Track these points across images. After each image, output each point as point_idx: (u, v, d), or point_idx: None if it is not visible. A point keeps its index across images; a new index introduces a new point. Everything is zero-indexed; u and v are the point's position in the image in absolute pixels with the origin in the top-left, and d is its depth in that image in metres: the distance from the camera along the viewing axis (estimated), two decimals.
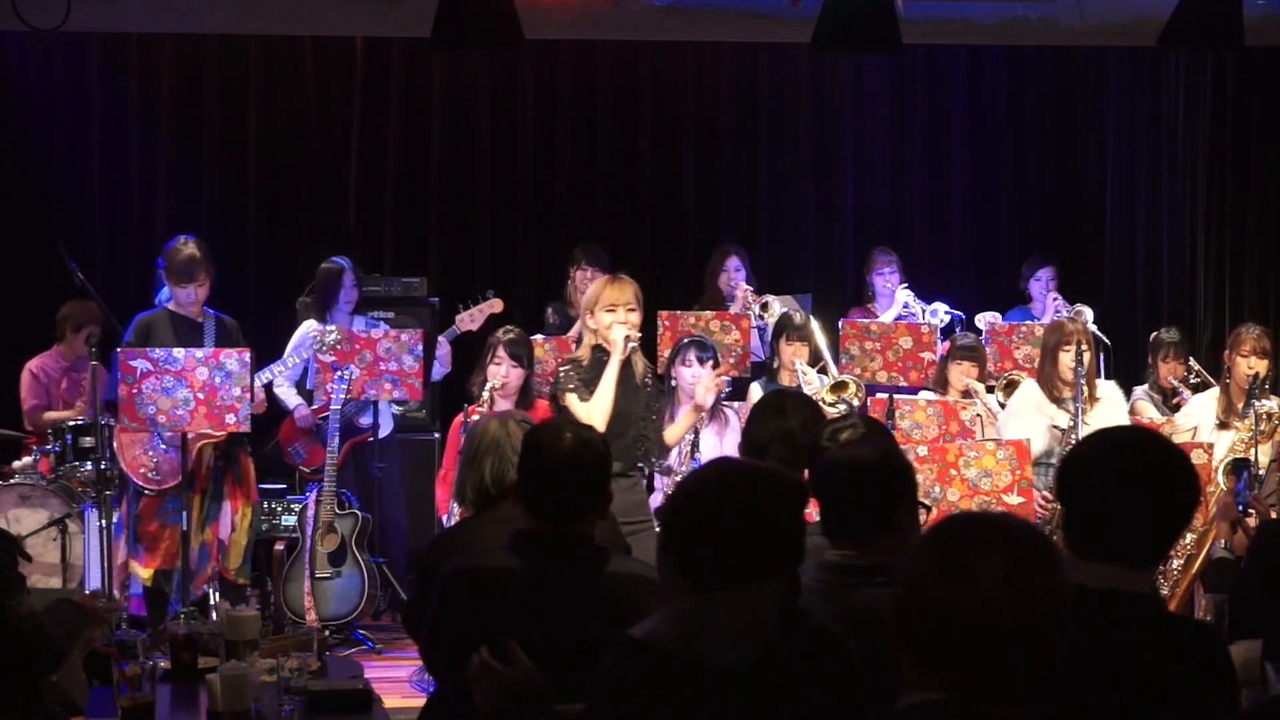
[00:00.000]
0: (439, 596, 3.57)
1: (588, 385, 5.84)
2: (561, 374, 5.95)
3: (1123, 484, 2.81)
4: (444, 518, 6.99)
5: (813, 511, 3.59)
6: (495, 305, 8.31)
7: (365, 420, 8.01)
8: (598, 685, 2.78)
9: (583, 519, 3.53)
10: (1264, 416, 6.95)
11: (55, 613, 4.30)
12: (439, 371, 8.30)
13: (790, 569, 2.74)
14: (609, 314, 5.86)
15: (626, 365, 5.90)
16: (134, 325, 7.38)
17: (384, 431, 8.24)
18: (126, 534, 7.32)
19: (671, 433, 6.26)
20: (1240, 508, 6.36)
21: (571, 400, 5.84)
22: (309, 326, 7.98)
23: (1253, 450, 6.80)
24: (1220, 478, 6.78)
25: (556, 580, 3.43)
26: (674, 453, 6.96)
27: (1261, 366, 7.27)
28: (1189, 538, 6.83)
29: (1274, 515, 6.30)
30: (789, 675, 2.66)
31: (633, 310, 5.89)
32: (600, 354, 5.89)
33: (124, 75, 9.56)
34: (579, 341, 7.76)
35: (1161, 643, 2.76)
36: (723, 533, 2.68)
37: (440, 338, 8.32)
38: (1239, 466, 6.75)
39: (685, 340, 7.28)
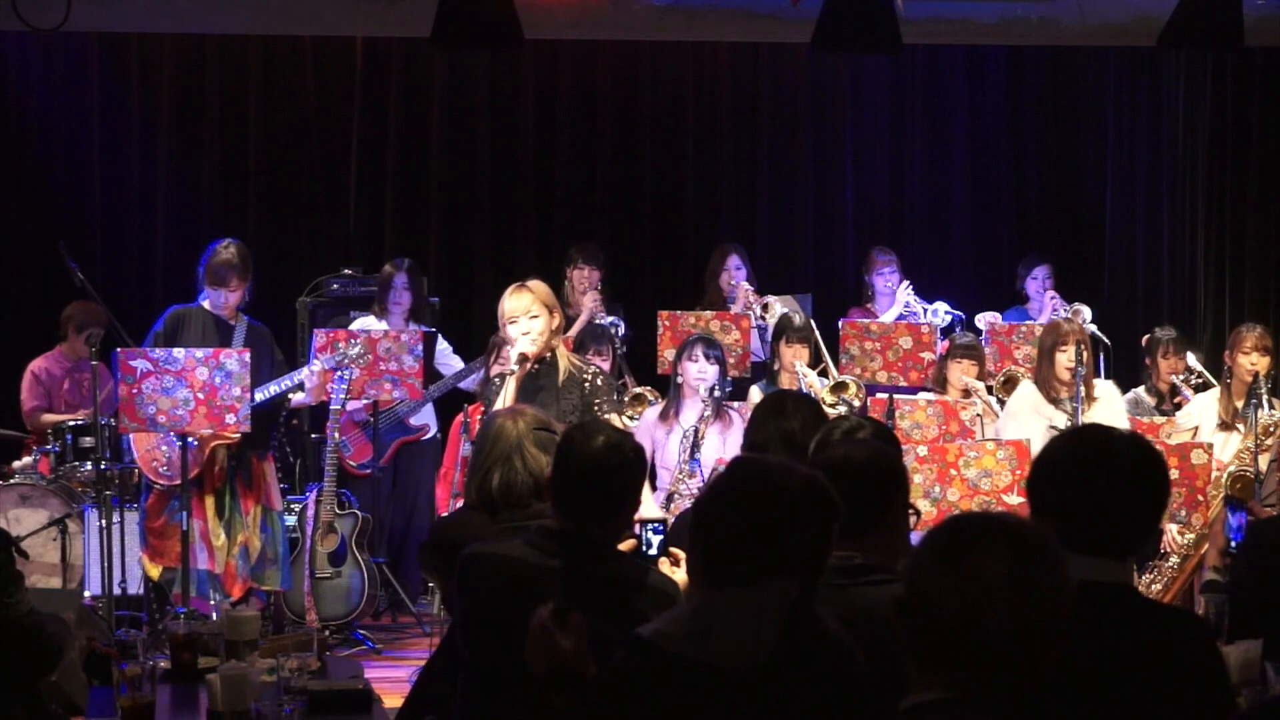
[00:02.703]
0: (457, 577, 3.59)
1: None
2: (487, 387, 5.85)
3: (1091, 476, 2.87)
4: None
5: None
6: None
7: (415, 420, 8.07)
8: (604, 682, 2.79)
9: (606, 522, 3.55)
10: (1265, 429, 6.96)
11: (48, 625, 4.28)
12: (471, 384, 8.29)
13: (805, 574, 2.74)
14: (513, 326, 5.75)
15: (547, 372, 5.75)
16: (167, 315, 7.31)
17: (433, 432, 8.34)
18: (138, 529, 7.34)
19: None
20: (1232, 544, 6.40)
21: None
22: (364, 322, 8.16)
23: (1256, 459, 6.81)
24: (1223, 480, 6.79)
25: (571, 578, 3.44)
26: (675, 452, 6.96)
27: (1264, 364, 7.28)
28: (1188, 537, 6.84)
29: (1276, 514, 6.31)
30: (795, 678, 2.66)
31: (535, 317, 5.73)
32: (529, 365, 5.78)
33: (124, 75, 9.56)
34: (579, 342, 7.80)
35: (1145, 630, 2.79)
36: (734, 531, 2.69)
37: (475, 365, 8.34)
38: (1236, 506, 6.77)
39: (693, 336, 7.31)
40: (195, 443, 7.07)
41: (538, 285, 5.87)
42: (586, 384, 5.80)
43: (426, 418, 8.37)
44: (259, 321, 7.51)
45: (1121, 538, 2.89)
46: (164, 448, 7.18)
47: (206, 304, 7.39)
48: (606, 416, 5.71)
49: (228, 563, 7.18)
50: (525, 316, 5.74)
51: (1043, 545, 2.17)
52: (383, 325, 8.12)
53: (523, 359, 5.71)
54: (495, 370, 6.78)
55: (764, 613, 2.65)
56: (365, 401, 7.82)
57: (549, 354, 5.80)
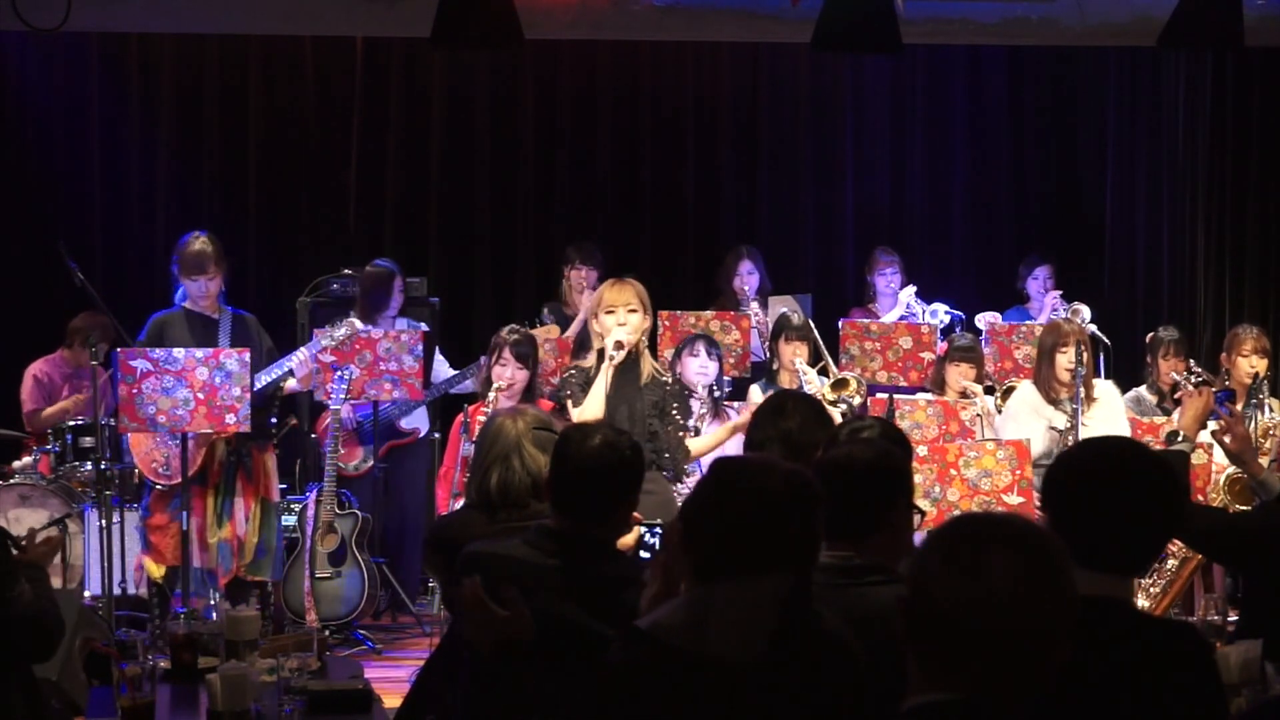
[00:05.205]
0: (458, 576, 3.60)
1: (584, 390, 5.85)
2: (563, 380, 5.98)
3: (1106, 495, 2.84)
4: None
5: None
6: (552, 331, 8.15)
7: (406, 423, 8.09)
8: (604, 674, 2.80)
9: (603, 522, 3.55)
10: (1265, 431, 6.95)
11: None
12: (467, 388, 8.27)
13: (798, 566, 2.75)
14: (609, 315, 5.89)
15: (630, 368, 5.88)
16: (150, 325, 7.30)
17: (424, 434, 8.35)
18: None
19: (697, 443, 6.24)
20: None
21: (570, 406, 5.84)
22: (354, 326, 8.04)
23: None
24: (1221, 484, 6.78)
25: (569, 578, 3.44)
26: None
27: (1262, 366, 7.28)
28: None
29: None
30: (792, 672, 2.66)
31: (633, 311, 5.89)
32: (603, 359, 5.88)
33: (124, 75, 9.56)
34: (579, 342, 7.79)
35: (1141, 644, 2.78)
36: (724, 524, 2.70)
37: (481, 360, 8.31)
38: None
39: (694, 335, 7.33)
40: (195, 436, 7.06)
41: (638, 284, 6.04)
42: (667, 388, 5.93)
43: (418, 421, 8.32)
44: (242, 310, 7.50)
45: (1129, 556, 2.86)
46: (161, 447, 7.18)
47: (187, 303, 7.36)
48: (675, 421, 5.90)
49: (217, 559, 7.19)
50: (624, 309, 5.90)
51: (1049, 548, 2.16)
52: (344, 322, 7.88)
53: (619, 346, 5.81)
54: (496, 373, 6.78)
55: (759, 606, 2.66)
56: (358, 404, 7.79)
57: (633, 353, 5.92)
